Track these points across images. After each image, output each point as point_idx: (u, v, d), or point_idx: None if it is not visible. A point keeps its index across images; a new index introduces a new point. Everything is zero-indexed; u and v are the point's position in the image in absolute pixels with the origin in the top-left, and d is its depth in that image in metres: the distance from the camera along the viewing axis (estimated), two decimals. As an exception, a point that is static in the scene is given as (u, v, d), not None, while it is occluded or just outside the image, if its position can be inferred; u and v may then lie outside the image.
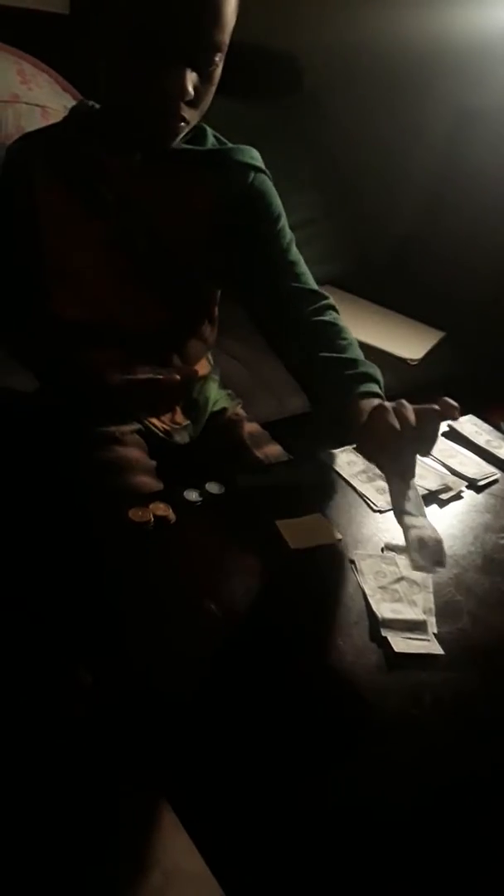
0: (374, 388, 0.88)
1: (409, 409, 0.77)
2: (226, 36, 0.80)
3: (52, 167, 0.91)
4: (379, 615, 0.72)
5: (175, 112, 0.81)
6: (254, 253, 0.97)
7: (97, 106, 0.93)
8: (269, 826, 0.54)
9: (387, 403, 0.79)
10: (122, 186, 0.91)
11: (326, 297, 0.97)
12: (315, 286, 0.98)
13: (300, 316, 0.95)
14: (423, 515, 0.76)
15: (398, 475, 0.78)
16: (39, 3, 1.57)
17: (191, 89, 0.79)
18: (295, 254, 0.98)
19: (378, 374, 0.91)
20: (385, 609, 0.73)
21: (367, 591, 0.75)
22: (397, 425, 0.75)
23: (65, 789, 1.07)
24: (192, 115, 0.84)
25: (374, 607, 0.73)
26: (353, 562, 0.79)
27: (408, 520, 0.75)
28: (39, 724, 1.08)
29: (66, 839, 1.03)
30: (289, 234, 0.98)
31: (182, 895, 1.00)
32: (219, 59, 0.81)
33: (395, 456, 0.78)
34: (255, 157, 0.97)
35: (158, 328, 1.00)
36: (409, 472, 0.79)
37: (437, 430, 0.78)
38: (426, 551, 0.72)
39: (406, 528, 0.74)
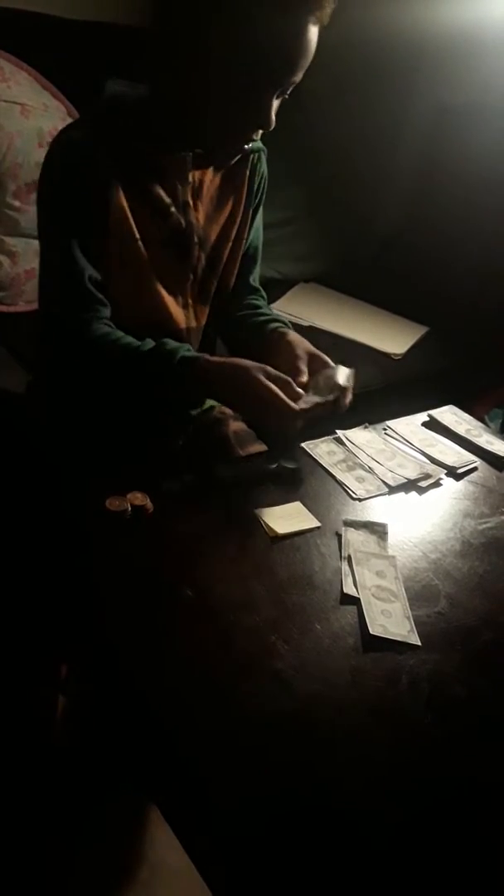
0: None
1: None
2: None
3: (115, 162, 0.86)
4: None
5: (252, 138, 0.89)
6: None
7: (129, 92, 0.89)
8: (248, 820, 0.54)
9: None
10: (176, 187, 0.91)
11: (258, 290, 1.11)
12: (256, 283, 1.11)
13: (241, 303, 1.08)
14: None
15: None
16: (39, 6, 1.55)
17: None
18: (259, 251, 1.08)
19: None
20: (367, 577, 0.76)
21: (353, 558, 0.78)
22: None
23: (52, 785, 1.06)
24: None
25: (356, 577, 0.76)
26: (338, 535, 0.81)
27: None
28: (23, 718, 1.08)
29: (55, 835, 1.02)
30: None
31: (167, 889, 1.00)
32: None
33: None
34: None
35: (195, 330, 1.01)
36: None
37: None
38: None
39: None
